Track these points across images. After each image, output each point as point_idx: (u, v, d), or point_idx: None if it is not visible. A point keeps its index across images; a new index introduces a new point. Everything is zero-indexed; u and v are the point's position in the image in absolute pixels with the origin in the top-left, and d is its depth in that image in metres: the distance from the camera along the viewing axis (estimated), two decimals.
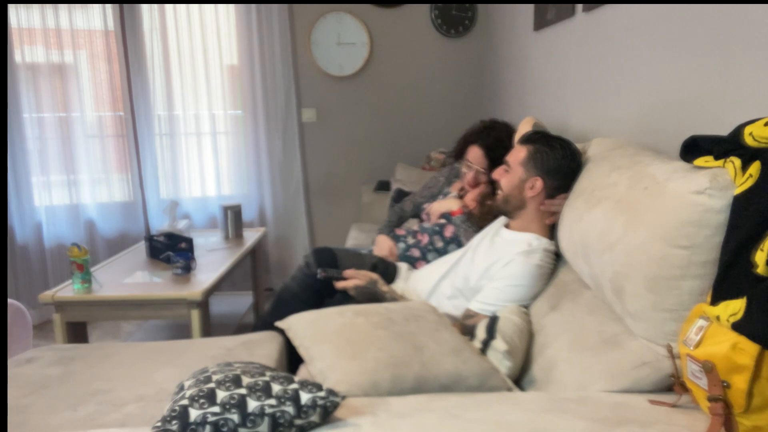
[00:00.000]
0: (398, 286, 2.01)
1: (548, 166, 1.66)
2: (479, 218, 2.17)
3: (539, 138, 1.72)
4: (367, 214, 3.53)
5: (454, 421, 0.99)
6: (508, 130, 2.34)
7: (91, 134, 3.51)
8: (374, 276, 1.86)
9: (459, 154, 2.42)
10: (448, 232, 2.23)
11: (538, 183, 1.67)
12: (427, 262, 2.21)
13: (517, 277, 1.62)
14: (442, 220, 2.28)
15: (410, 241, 2.27)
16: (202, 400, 0.95)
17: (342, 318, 1.39)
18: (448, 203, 2.31)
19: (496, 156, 2.23)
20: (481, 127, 2.37)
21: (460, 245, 2.17)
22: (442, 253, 2.20)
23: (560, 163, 1.65)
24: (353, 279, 1.84)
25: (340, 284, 1.86)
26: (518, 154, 1.73)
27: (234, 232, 3.17)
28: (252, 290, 3.47)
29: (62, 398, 1.50)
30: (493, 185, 2.01)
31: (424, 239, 2.24)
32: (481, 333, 1.46)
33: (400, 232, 2.34)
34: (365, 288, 1.84)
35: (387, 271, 2.07)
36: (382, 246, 2.29)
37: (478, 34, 3.75)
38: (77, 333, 2.37)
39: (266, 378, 1.01)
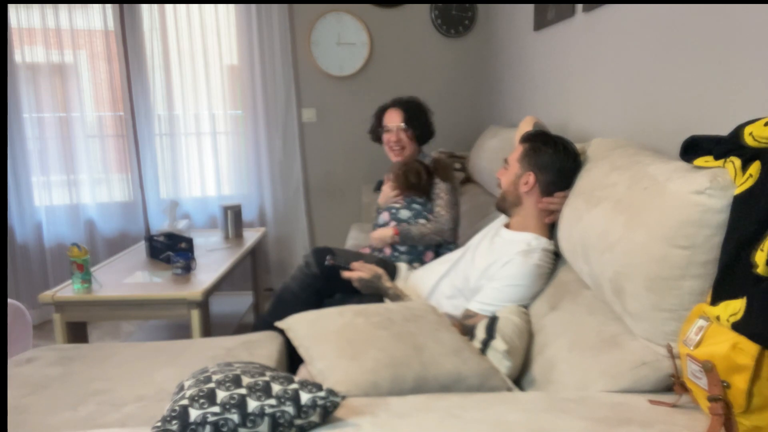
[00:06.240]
0: (398, 285, 2.02)
1: (541, 161, 1.67)
2: (407, 188, 2.26)
3: (536, 136, 1.74)
4: (367, 214, 3.53)
5: (454, 421, 0.99)
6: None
7: (91, 134, 3.51)
8: (380, 271, 1.90)
9: (376, 128, 2.43)
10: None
11: (531, 178, 1.69)
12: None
13: (516, 277, 1.62)
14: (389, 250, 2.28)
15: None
16: (202, 400, 0.95)
17: (342, 318, 1.39)
18: (382, 234, 2.23)
19: (410, 108, 2.32)
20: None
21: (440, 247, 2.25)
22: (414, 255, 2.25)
23: (552, 159, 1.66)
24: (359, 271, 1.88)
25: (346, 273, 1.91)
26: (516, 152, 1.76)
27: (234, 232, 3.17)
28: (252, 290, 3.47)
29: (62, 398, 1.50)
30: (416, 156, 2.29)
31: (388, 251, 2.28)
32: (480, 333, 1.46)
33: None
34: (370, 282, 1.88)
35: (386, 270, 2.07)
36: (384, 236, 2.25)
37: (478, 34, 3.75)
38: (77, 333, 2.37)
39: (266, 378, 1.01)
